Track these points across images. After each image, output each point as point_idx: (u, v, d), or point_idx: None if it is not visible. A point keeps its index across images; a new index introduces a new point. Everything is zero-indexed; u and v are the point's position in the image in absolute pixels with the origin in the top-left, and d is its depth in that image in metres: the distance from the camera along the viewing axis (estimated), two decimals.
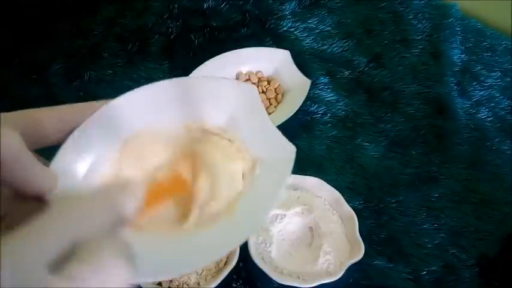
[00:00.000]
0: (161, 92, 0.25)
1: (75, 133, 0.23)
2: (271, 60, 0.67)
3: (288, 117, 0.59)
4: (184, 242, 0.22)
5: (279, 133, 0.25)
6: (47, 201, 0.21)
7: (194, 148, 0.25)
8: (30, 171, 0.19)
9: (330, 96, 0.66)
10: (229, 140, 0.25)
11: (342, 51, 0.72)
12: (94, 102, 0.24)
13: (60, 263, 0.16)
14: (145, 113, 0.25)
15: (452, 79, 0.70)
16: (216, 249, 0.21)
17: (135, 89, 0.25)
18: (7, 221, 0.20)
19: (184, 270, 0.21)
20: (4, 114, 0.20)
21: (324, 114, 0.64)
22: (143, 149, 0.25)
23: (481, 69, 0.73)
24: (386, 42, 0.74)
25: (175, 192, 0.24)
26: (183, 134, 0.26)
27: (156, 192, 0.23)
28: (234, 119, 0.26)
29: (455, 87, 0.69)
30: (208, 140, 0.25)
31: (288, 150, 0.24)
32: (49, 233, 0.17)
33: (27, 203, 0.20)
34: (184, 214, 0.23)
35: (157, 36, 0.72)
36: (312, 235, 0.51)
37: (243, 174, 0.25)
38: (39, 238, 0.16)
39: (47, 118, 0.22)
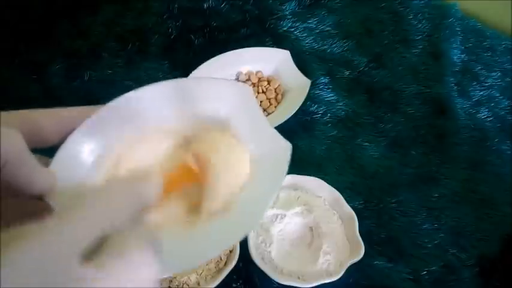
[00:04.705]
0: (159, 92, 0.25)
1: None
2: (271, 60, 0.67)
3: (288, 117, 0.59)
4: (186, 236, 0.22)
5: (274, 131, 0.25)
6: (46, 199, 0.20)
7: (196, 145, 0.25)
8: (32, 171, 0.19)
9: (330, 96, 0.66)
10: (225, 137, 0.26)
11: (342, 51, 0.72)
12: (93, 106, 0.24)
13: (88, 256, 0.16)
14: (146, 112, 0.25)
15: (452, 79, 0.70)
16: (214, 245, 0.21)
17: (133, 90, 0.25)
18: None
19: (178, 268, 0.21)
20: (1, 114, 0.20)
21: (324, 114, 0.64)
22: (148, 143, 0.25)
23: (481, 69, 0.73)
24: (386, 42, 0.74)
25: (185, 181, 0.24)
26: (184, 132, 0.26)
27: (168, 182, 0.23)
28: (229, 118, 0.26)
29: (455, 87, 0.69)
30: (209, 138, 0.26)
31: (283, 147, 0.24)
32: (80, 224, 0.16)
33: (21, 201, 0.20)
34: (190, 209, 0.23)
35: (157, 36, 0.72)
36: (312, 235, 0.51)
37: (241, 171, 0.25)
38: (70, 228, 0.16)
39: (45, 120, 0.22)
